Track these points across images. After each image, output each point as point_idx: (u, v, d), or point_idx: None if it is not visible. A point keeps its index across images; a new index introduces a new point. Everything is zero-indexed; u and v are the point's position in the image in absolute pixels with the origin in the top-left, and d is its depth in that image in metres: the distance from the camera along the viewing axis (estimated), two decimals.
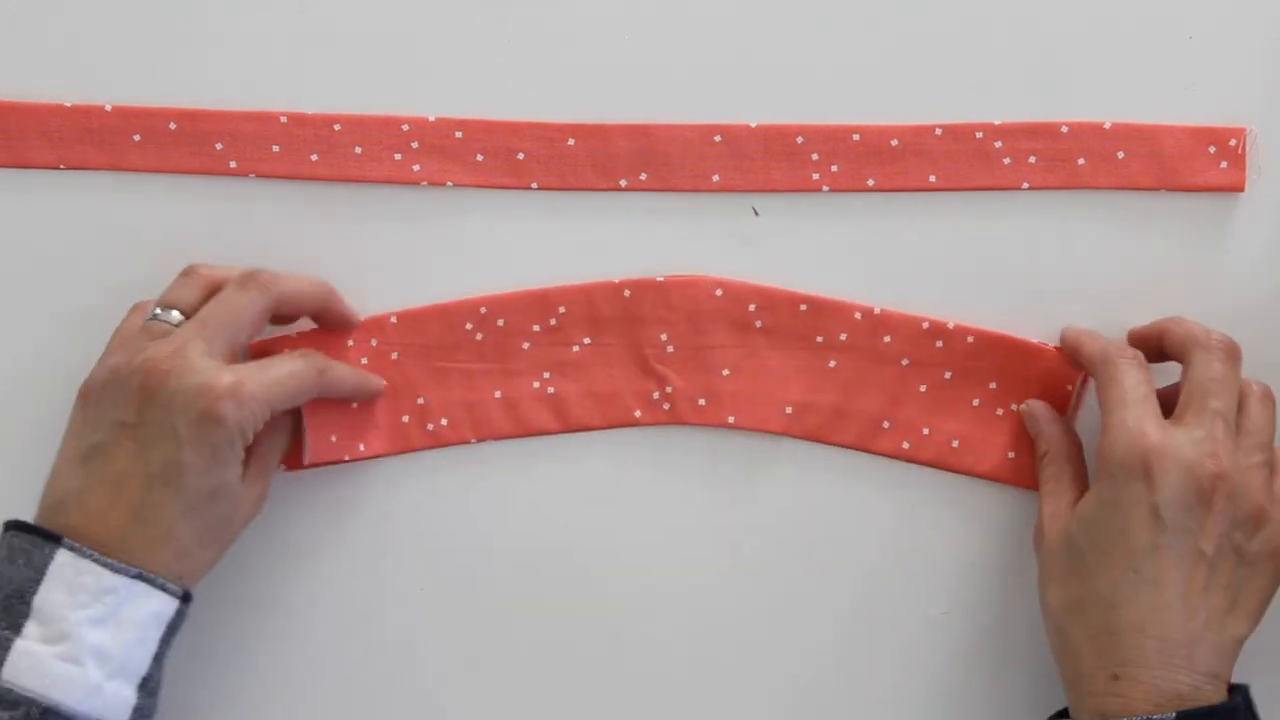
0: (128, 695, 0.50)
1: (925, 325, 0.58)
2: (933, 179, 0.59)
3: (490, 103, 0.59)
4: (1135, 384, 0.53)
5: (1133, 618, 0.50)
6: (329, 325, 0.57)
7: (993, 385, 0.58)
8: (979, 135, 0.59)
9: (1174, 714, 0.49)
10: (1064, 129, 0.59)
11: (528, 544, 0.58)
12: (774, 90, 0.59)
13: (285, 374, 0.53)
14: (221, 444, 0.51)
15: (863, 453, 0.58)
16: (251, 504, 0.54)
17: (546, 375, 0.59)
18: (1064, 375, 0.57)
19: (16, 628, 0.49)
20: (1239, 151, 0.58)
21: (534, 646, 0.58)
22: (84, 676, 0.48)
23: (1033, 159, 0.59)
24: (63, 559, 0.50)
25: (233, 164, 0.59)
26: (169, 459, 0.51)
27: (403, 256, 0.58)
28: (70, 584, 0.49)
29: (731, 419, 0.58)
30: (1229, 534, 0.51)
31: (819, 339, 0.58)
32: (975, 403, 0.58)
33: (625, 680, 0.58)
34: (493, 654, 0.58)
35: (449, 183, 0.59)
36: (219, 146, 0.59)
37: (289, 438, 0.56)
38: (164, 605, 0.51)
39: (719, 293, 0.58)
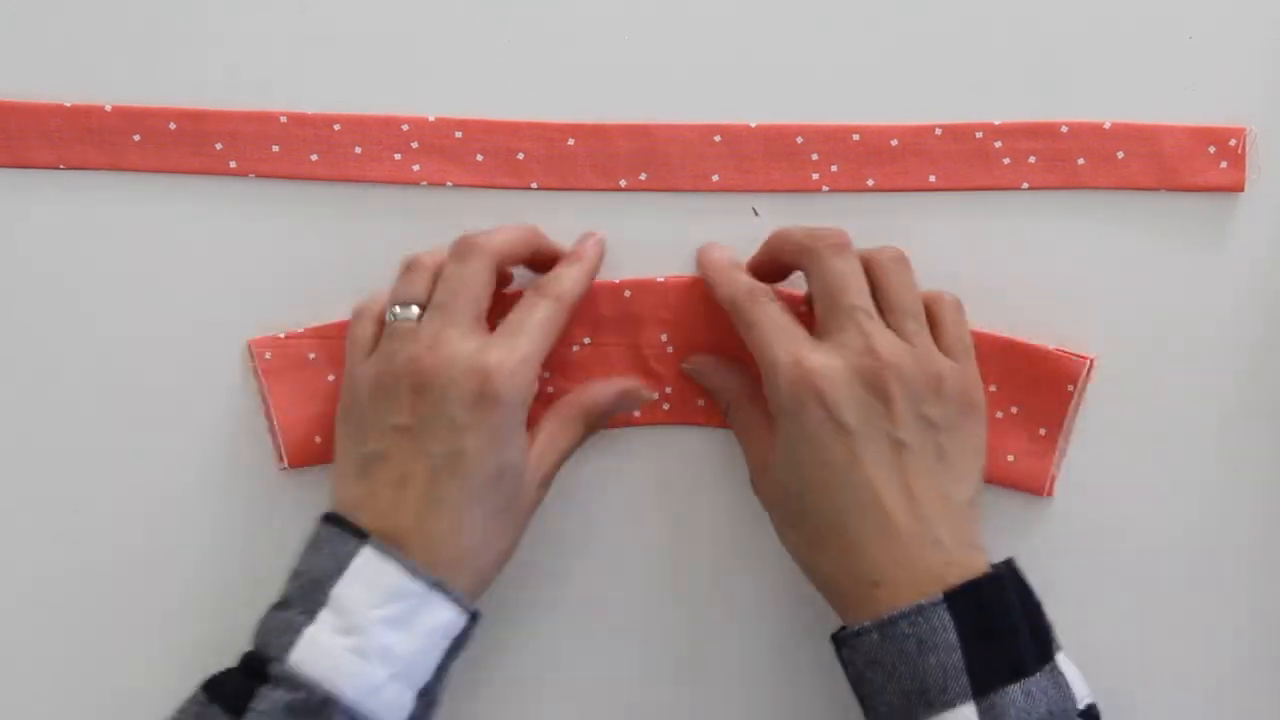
0: (407, 701, 0.50)
1: None
2: (933, 179, 0.59)
3: (490, 103, 0.59)
4: (771, 319, 0.53)
5: (867, 530, 0.51)
6: (543, 265, 0.56)
7: (992, 389, 0.58)
8: (979, 135, 0.59)
9: (941, 595, 0.49)
10: (1064, 129, 0.59)
11: (525, 543, 0.58)
12: (774, 90, 0.59)
13: (537, 324, 0.53)
14: (502, 423, 0.51)
15: None
16: (538, 485, 0.54)
17: (546, 375, 0.58)
18: (1064, 376, 0.57)
19: (312, 615, 0.49)
20: (1239, 151, 0.58)
21: (532, 646, 0.58)
22: (370, 673, 0.49)
23: (1033, 159, 0.59)
24: (366, 555, 0.50)
25: (233, 164, 0.59)
26: (451, 449, 0.50)
27: (403, 256, 0.58)
28: (370, 582, 0.49)
29: None
30: (916, 411, 0.51)
31: None
32: None
33: (623, 681, 0.58)
34: (489, 654, 0.58)
35: (449, 183, 0.59)
36: (219, 146, 0.59)
37: (578, 428, 0.56)
38: (454, 618, 0.51)
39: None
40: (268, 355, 0.58)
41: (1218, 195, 0.59)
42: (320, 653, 0.49)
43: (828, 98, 0.59)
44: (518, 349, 0.52)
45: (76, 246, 0.59)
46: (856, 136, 0.59)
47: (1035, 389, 0.58)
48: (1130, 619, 0.58)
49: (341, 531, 0.51)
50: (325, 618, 0.49)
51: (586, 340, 0.58)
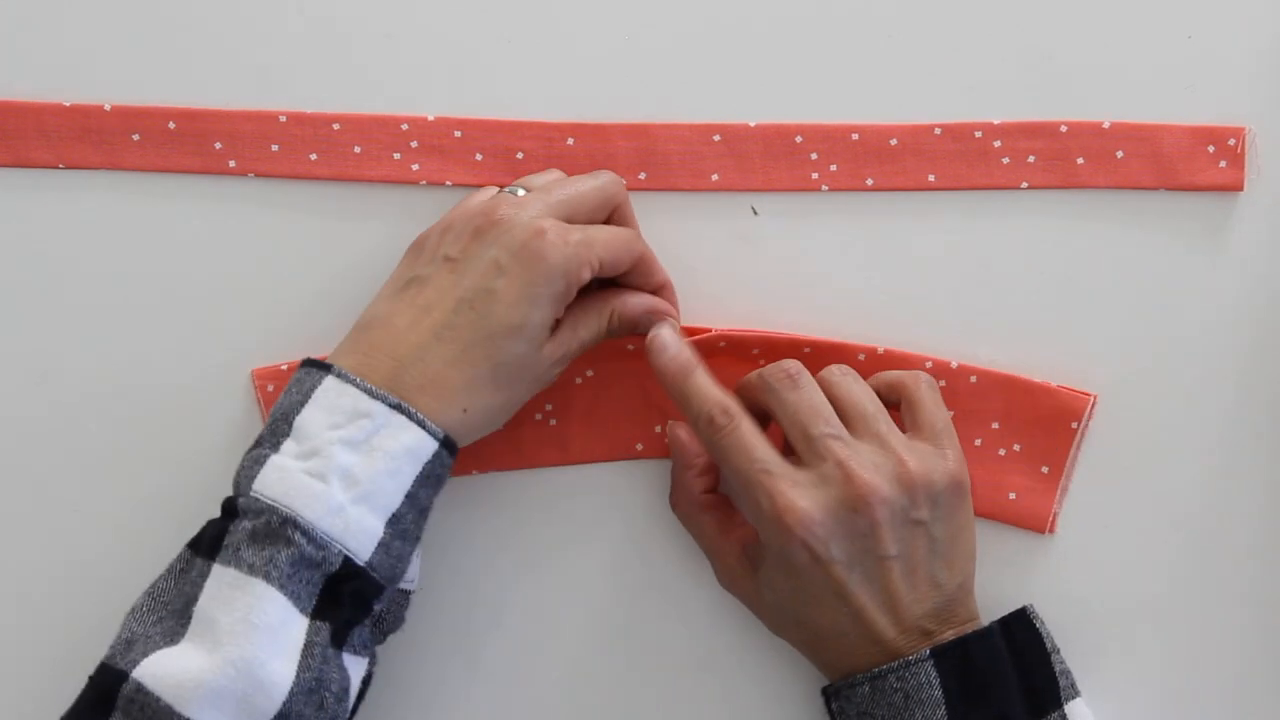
0: (373, 525, 0.49)
1: (928, 364, 0.57)
2: (932, 179, 0.59)
3: (490, 103, 0.59)
4: (743, 448, 0.52)
5: (854, 640, 0.52)
6: (640, 278, 0.56)
7: (995, 425, 0.57)
8: (978, 135, 0.59)
9: (927, 651, 0.51)
10: (1064, 129, 0.59)
11: (527, 577, 0.58)
12: (774, 90, 0.59)
13: (612, 234, 0.54)
14: (538, 279, 0.51)
15: None
16: (547, 366, 0.53)
17: (549, 407, 0.58)
18: (1066, 413, 0.57)
19: (276, 445, 0.50)
20: (1238, 151, 0.58)
21: (533, 671, 0.58)
22: (327, 494, 0.49)
23: (1032, 159, 0.59)
24: (329, 384, 0.51)
25: (232, 164, 0.59)
26: (481, 285, 0.51)
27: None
28: (330, 406, 0.50)
29: None
30: (904, 520, 0.51)
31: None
32: (977, 443, 0.57)
33: (622, 701, 0.58)
34: (489, 658, 0.58)
35: (449, 182, 0.59)
36: (218, 146, 0.59)
37: (603, 322, 0.55)
38: (420, 441, 0.50)
39: (723, 345, 0.57)
40: (270, 388, 0.57)
41: (1217, 195, 0.59)
42: (279, 476, 0.49)
43: (828, 98, 0.59)
44: (584, 237, 0.52)
45: (76, 246, 0.59)
46: (856, 136, 0.59)
47: (1037, 427, 0.57)
48: (1131, 632, 0.58)
49: (311, 369, 0.52)
50: (288, 446, 0.50)
51: (589, 373, 0.58)
